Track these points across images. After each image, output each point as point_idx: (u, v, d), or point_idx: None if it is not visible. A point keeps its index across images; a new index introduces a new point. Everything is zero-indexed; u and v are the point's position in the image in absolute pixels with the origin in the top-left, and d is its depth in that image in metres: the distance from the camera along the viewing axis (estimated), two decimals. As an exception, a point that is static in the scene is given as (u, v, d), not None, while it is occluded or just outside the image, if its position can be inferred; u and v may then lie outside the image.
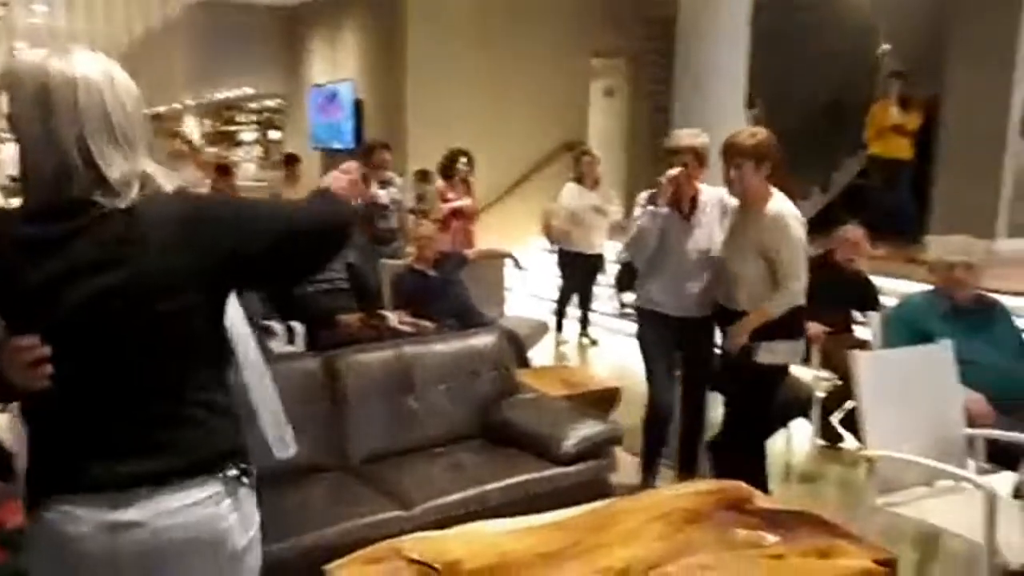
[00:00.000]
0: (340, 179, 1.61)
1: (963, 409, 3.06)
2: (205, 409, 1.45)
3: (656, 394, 3.59)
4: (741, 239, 3.25)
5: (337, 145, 9.69)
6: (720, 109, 6.23)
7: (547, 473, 3.18)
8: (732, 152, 3.17)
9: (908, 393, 2.95)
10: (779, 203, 3.20)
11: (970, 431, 3.02)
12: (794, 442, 4.29)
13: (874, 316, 3.81)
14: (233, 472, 1.46)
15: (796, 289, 3.18)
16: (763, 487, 3.19)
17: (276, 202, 2.50)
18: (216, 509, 1.42)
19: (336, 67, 10.00)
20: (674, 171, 3.35)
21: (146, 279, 1.36)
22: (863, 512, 2.89)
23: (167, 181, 1.43)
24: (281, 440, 1.85)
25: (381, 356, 3.48)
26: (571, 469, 3.22)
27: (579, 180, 6.44)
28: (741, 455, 3.30)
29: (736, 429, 3.37)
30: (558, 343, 6.62)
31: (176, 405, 1.42)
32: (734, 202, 3.35)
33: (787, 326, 3.21)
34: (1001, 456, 2.99)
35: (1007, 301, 4.13)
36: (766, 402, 3.35)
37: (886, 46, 8.58)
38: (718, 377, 3.51)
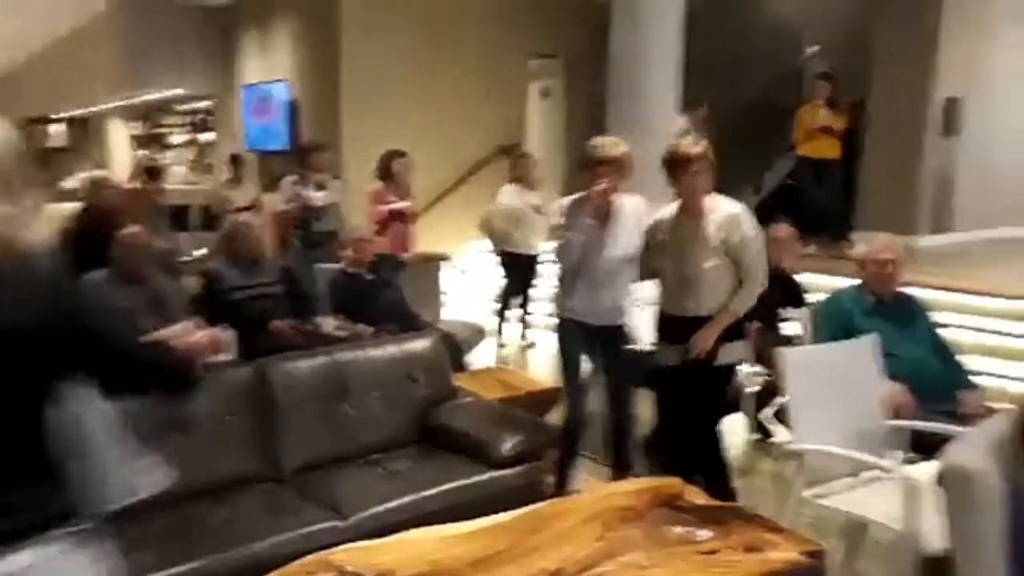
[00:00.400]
0: (186, 337, 1.66)
1: (887, 400, 3.16)
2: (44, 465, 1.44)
3: (568, 406, 3.62)
4: (694, 246, 3.24)
5: (272, 147, 9.50)
6: (655, 111, 6.33)
7: (484, 477, 3.17)
8: (690, 160, 3.18)
9: (835, 387, 3.04)
10: (729, 203, 3.26)
11: (894, 422, 3.11)
12: (729, 437, 4.36)
13: (800, 313, 3.91)
14: (80, 524, 1.45)
15: (759, 286, 3.24)
16: (726, 485, 3.24)
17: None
18: (66, 562, 1.41)
19: (270, 67, 9.80)
20: (602, 185, 3.38)
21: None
22: (792, 505, 2.96)
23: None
24: (142, 474, 1.79)
25: (314, 363, 3.43)
26: (508, 472, 3.22)
27: (517, 181, 6.45)
28: (682, 454, 3.33)
29: (690, 429, 3.36)
30: (499, 345, 6.61)
31: (21, 462, 1.41)
32: (655, 209, 3.40)
33: (738, 325, 3.26)
34: (923, 445, 3.10)
35: (926, 295, 4.31)
36: (723, 401, 3.40)
37: (813, 48, 8.82)
38: (652, 378, 3.53)
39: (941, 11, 7.56)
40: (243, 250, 4.35)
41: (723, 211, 3.23)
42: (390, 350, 3.67)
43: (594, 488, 3.12)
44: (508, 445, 3.25)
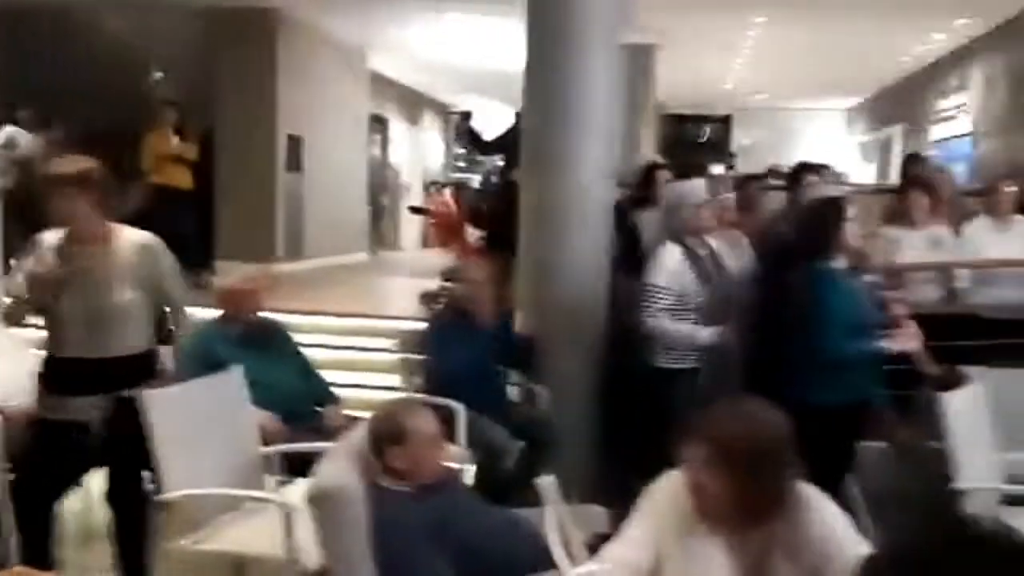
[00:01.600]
0: None
1: (258, 429, 3.16)
2: None
3: None
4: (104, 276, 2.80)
5: None
6: None
7: None
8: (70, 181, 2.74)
9: (205, 424, 2.91)
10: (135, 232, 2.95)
11: (265, 449, 3.13)
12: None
13: (162, 349, 3.68)
14: None
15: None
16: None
17: None
18: None
19: None
20: None
21: None
22: (163, 556, 2.74)
23: None
24: None
25: None
26: None
27: None
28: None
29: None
30: None
31: None
32: None
33: None
34: (296, 466, 3.19)
35: (287, 319, 4.52)
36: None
37: (159, 74, 8.57)
38: None
39: (276, 55, 8.15)
40: None
41: (141, 239, 2.91)
42: None
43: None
44: None
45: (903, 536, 1.31)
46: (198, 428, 2.86)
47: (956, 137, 9.32)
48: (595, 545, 1.91)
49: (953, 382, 3.23)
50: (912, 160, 6.05)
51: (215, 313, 3.70)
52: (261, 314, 3.71)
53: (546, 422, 3.73)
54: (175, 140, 7.20)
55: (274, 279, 7.48)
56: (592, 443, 3.92)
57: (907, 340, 3.00)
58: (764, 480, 1.66)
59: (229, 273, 3.75)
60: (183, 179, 7.32)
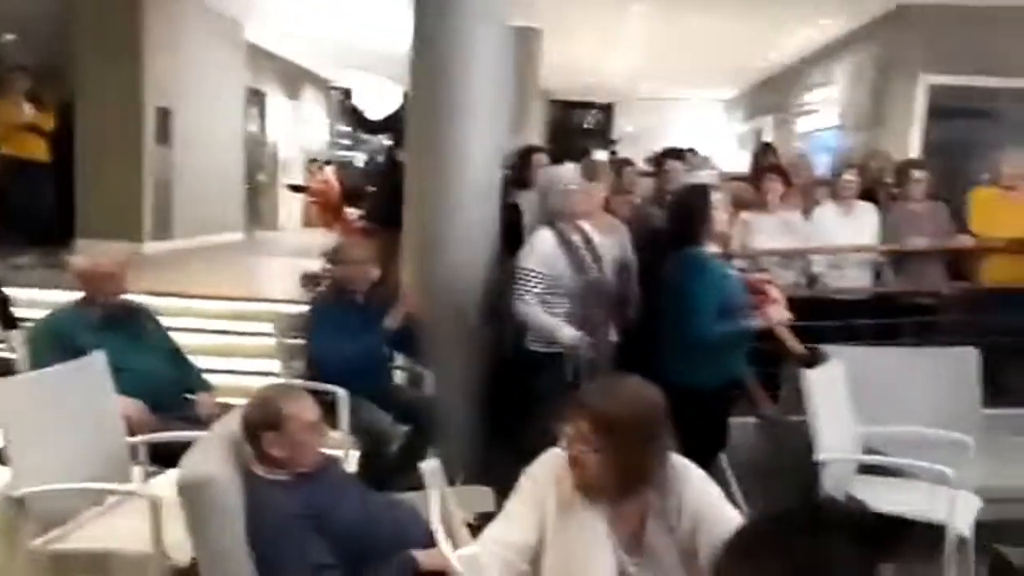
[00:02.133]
0: None
1: (123, 418, 2.98)
2: None
3: None
4: None
5: None
6: None
7: None
8: None
9: (64, 414, 2.71)
10: None
11: (131, 439, 2.96)
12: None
13: (13, 335, 3.41)
14: None
15: None
16: None
17: None
18: None
19: None
20: None
21: None
22: (22, 557, 2.54)
23: None
24: None
25: None
26: None
27: None
28: None
29: None
30: None
31: None
32: None
33: None
34: (167, 456, 3.03)
35: (155, 302, 4.28)
36: None
37: (8, 36, 7.88)
38: None
39: (142, 21, 7.65)
40: None
41: None
42: None
43: None
44: None
45: (769, 506, 1.38)
46: (56, 419, 2.67)
47: (822, 130, 9.86)
48: (480, 524, 1.92)
49: (814, 360, 3.43)
50: (764, 149, 6.37)
51: (74, 295, 3.45)
52: (125, 296, 3.49)
53: (431, 405, 3.70)
54: (28, 108, 6.65)
55: (139, 258, 7.09)
56: (477, 424, 3.93)
57: (777, 312, 3.14)
58: (642, 452, 1.71)
59: (90, 252, 3.49)
60: (37, 150, 6.78)
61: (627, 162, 5.39)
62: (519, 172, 4.61)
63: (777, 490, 3.42)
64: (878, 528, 1.06)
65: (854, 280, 4.60)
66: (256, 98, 11.42)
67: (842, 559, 0.99)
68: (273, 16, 9.60)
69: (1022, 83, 5.00)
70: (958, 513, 2.92)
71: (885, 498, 3.09)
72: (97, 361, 2.94)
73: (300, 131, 13.30)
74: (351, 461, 3.44)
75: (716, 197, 3.13)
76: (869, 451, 3.35)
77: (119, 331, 3.32)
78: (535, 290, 3.32)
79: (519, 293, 3.35)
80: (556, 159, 4.49)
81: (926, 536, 2.96)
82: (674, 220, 3.27)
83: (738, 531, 1.24)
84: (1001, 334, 4.22)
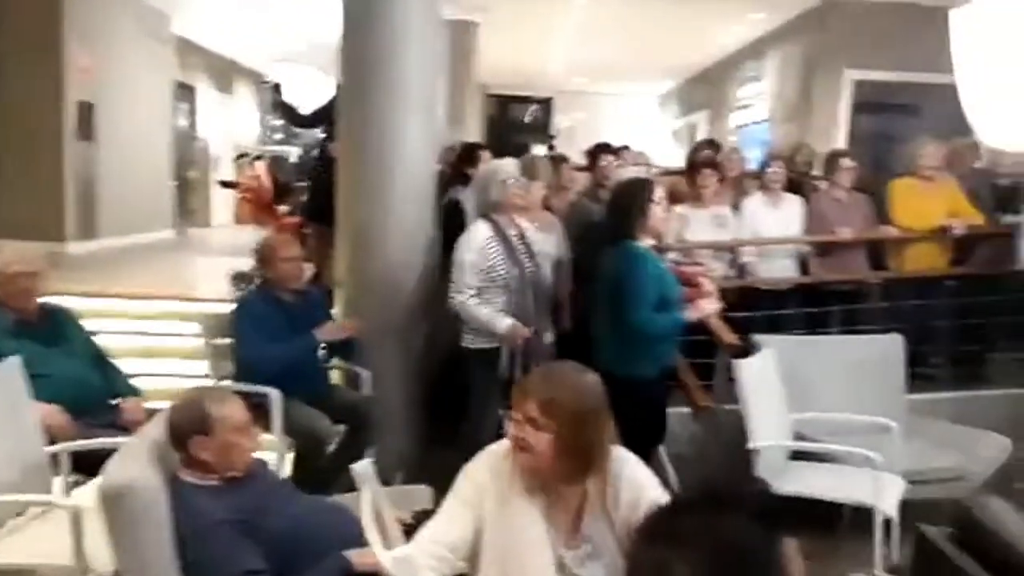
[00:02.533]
0: None
1: (42, 426, 2.85)
2: None
3: None
4: None
5: None
6: None
7: None
8: None
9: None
10: None
11: (51, 448, 2.83)
12: None
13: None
14: None
15: None
16: None
17: None
18: None
19: None
20: None
21: None
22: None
23: None
24: None
25: None
26: None
27: None
28: None
29: None
30: None
31: None
32: None
33: None
34: (89, 466, 2.91)
35: (78, 304, 4.11)
36: None
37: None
38: None
39: (61, 11, 7.35)
40: None
41: None
42: None
43: None
44: None
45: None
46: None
47: (754, 123, 10.07)
48: (419, 523, 1.91)
49: (746, 350, 3.49)
50: (708, 144, 6.48)
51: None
52: (42, 299, 3.33)
53: (368, 405, 3.65)
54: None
55: (60, 258, 6.81)
56: (416, 423, 3.89)
57: (709, 304, 3.19)
58: (585, 437, 1.72)
59: (1, 253, 3.32)
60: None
61: (563, 158, 5.40)
62: (462, 168, 4.57)
63: (713, 478, 3.48)
64: (777, 506, 1.11)
65: (781, 270, 4.71)
66: (185, 92, 11.09)
67: (745, 536, 1.02)
68: (201, 8, 9.33)
69: (943, 78, 5.17)
70: (884, 495, 3.02)
71: (816, 483, 3.17)
72: (12, 366, 2.80)
73: (232, 126, 12.97)
74: (286, 463, 3.37)
75: (658, 193, 3.16)
76: (800, 438, 3.43)
77: (36, 335, 3.17)
78: (471, 282, 3.31)
79: (456, 285, 3.33)
80: (495, 155, 4.47)
81: (824, 513, 3.10)
82: (612, 214, 3.29)
83: (646, 517, 1.26)
84: (921, 320, 4.37)
